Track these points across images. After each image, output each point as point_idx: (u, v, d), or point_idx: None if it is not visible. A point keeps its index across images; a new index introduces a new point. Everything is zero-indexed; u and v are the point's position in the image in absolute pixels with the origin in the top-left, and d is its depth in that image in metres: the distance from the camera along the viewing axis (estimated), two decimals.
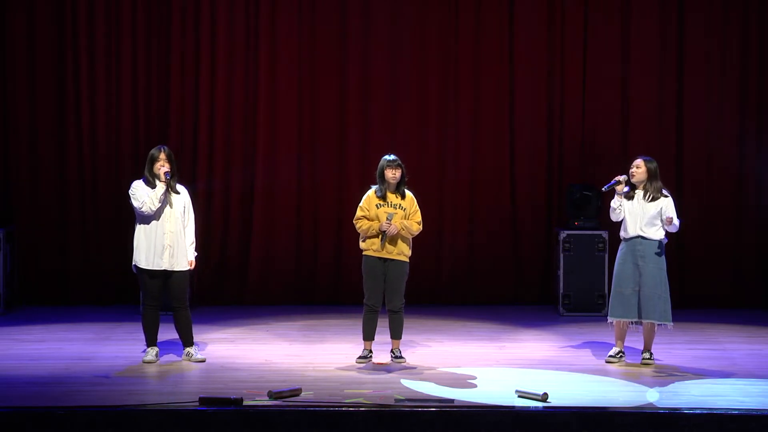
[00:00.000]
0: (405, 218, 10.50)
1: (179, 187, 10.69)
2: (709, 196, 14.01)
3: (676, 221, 10.49)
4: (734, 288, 13.98)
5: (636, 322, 10.64)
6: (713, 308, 13.74)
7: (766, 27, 13.96)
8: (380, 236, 10.43)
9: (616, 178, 10.70)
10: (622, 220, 10.67)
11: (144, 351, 10.71)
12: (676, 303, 13.08)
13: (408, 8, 13.98)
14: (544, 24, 14.01)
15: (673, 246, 13.29)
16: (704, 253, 13.97)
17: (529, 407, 8.80)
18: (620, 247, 10.74)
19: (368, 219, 10.51)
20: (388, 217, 10.41)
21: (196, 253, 10.78)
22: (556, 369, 10.41)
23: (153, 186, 10.50)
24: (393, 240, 10.47)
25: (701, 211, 13.95)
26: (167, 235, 10.52)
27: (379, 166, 10.59)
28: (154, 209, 10.46)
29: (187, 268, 10.66)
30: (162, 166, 10.50)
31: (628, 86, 14.00)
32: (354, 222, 10.61)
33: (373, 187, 10.60)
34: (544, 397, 8.97)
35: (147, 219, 10.51)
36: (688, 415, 8.62)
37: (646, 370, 10.39)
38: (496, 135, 14.07)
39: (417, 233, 10.58)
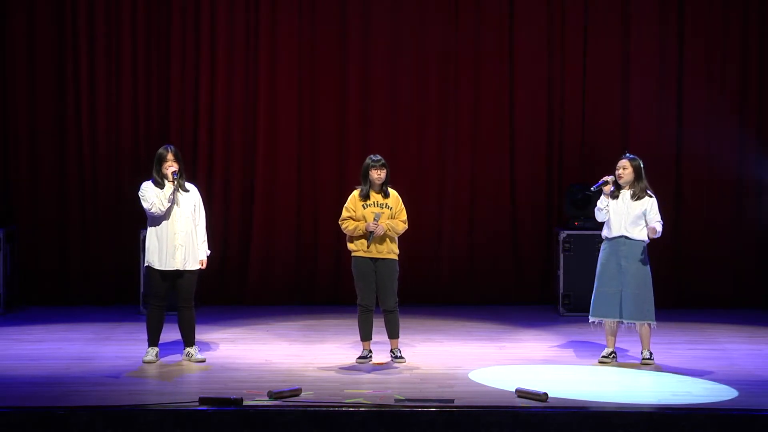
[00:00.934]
0: (391, 217, 10.51)
1: (189, 185, 10.65)
2: (709, 196, 14.00)
3: (659, 228, 10.42)
4: (734, 288, 13.97)
5: (618, 322, 10.59)
6: (713, 308, 13.73)
7: (766, 27, 13.96)
8: (367, 236, 10.44)
9: (604, 179, 10.66)
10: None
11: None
12: (675, 303, 13.15)
13: (408, 8, 13.98)
14: (544, 24, 14.01)
15: (672, 246, 13.31)
16: (704, 253, 13.95)
17: (529, 407, 8.80)
18: (602, 247, 10.68)
19: (354, 219, 10.51)
20: (376, 217, 10.41)
21: (209, 252, 10.73)
22: (557, 369, 10.41)
23: (162, 186, 10.46)
24: (381, 239, 10.45)
25: (701, 211, 13.94)
26: (178, 234, 10.48)
27: (363, 166, 10.59)
28: (164, 210, 10.42)
29: (198, 267, 10.64)
30: (170, 166, 10.47)
31: (628, 86, 13.99)
32: (339, 223, 10.60)
33: (358, 188, 10.60)
34: (544, 397, 8.96)
35: (157, 220, 10.48)
36: (688, 415, 8.62)
37: (645, 370, 10.37)
38: (496, 135, 14.07)
39: (402, 232, 10.57)
